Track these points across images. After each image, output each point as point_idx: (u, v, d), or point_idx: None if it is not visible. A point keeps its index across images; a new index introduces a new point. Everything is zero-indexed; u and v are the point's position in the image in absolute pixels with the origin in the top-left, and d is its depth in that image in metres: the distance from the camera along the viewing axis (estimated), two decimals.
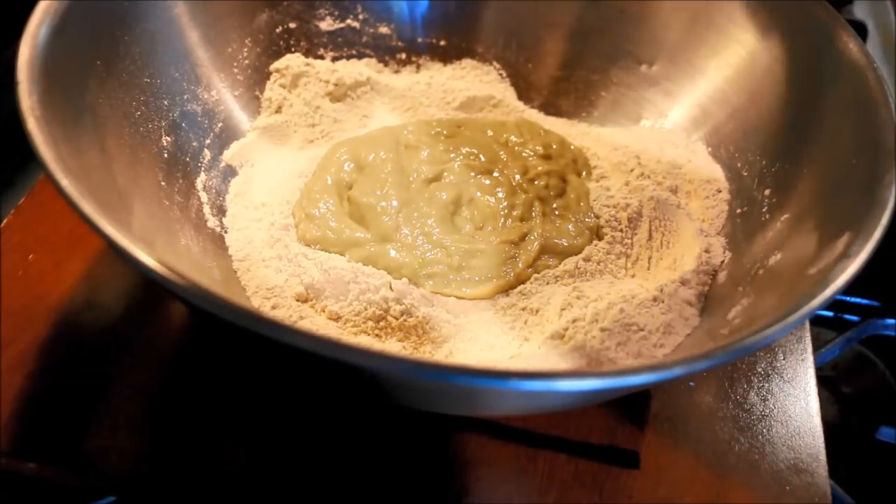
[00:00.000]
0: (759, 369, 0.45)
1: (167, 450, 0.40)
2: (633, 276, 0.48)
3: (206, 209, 0.48)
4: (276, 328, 0.26)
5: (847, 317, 0.64)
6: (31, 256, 0.47)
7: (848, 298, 0.64)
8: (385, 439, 0.41)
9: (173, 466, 0.39)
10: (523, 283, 0.47)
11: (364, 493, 0.39)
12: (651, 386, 0.44)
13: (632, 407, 0.43)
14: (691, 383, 0.44)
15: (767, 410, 0.43)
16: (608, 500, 0.39)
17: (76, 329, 0.44)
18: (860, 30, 0.75)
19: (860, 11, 0.78)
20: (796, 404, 0.44)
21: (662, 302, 0.45)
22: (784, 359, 0.46)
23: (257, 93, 0.55)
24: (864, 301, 0.63)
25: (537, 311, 0.45)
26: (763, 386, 0.45)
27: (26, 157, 0.31)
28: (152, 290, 0.46)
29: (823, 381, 0.60)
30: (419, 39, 0.62)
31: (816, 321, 0.63)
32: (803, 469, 0.41)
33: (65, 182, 0.29)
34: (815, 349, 0.52)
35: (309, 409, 0.42)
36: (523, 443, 0.41)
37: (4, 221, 0.49)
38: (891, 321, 0.58)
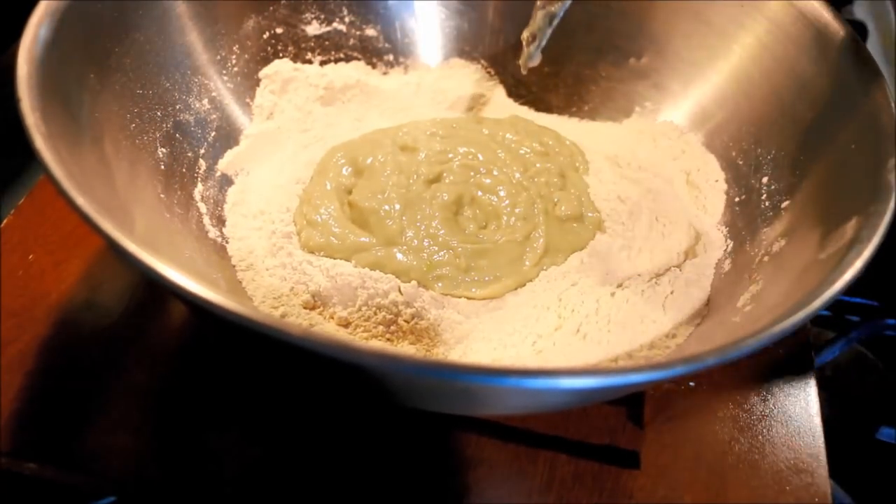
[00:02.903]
0: (760, 369, 0.45)
1: (167, 450, 0.40)
2: (637, 267, 0.48)
3: (206, 220, 0.48)
4: (290, 333, 0.26)
5: (847, 317, 0.63)
6: (31, 256, 0.47)
7: (848, 298, 0.64)
8: (385, 439, 0.41)
9: (173, 466, 0.39)
10: (531, 280, 0.47)
11: (364, 493, 0.39)
12: (652, 385, 0.43)
13: (632, 407, 0.43)
14: (691, 383, 0.44)
15: (767, 410, 0.43)
16: (608, 500, 0.39)
17: (76, 329, 0.44)
18: (860, 30, 0.75)
19: (860, 11, 0.78)
20: (796, 404, 0.44)
21: (671, 293, 0.45)
22: (784, 359, 0.46)
23: (248, 100, 0.55)
24: (864, 301, 0.63)
25: (548, 309, 0.45)
26: (763, 386, 0.45)
27: (26, 157, 0.31)
28: (152, 290, 0.46)
29: (823, 381, 0.60)
30: (406, 40, 0.61)
31: (816, 321, 0.63)
32: (803, 469, 0.41)
33: (81, 201, 0.29)
34: (816, 349, 0.52)
35: (310, 408, 0.42)
36: (523, 443, 0.41)
37: (4, 221, 0.49)
38: (891, 321, 0.58)
